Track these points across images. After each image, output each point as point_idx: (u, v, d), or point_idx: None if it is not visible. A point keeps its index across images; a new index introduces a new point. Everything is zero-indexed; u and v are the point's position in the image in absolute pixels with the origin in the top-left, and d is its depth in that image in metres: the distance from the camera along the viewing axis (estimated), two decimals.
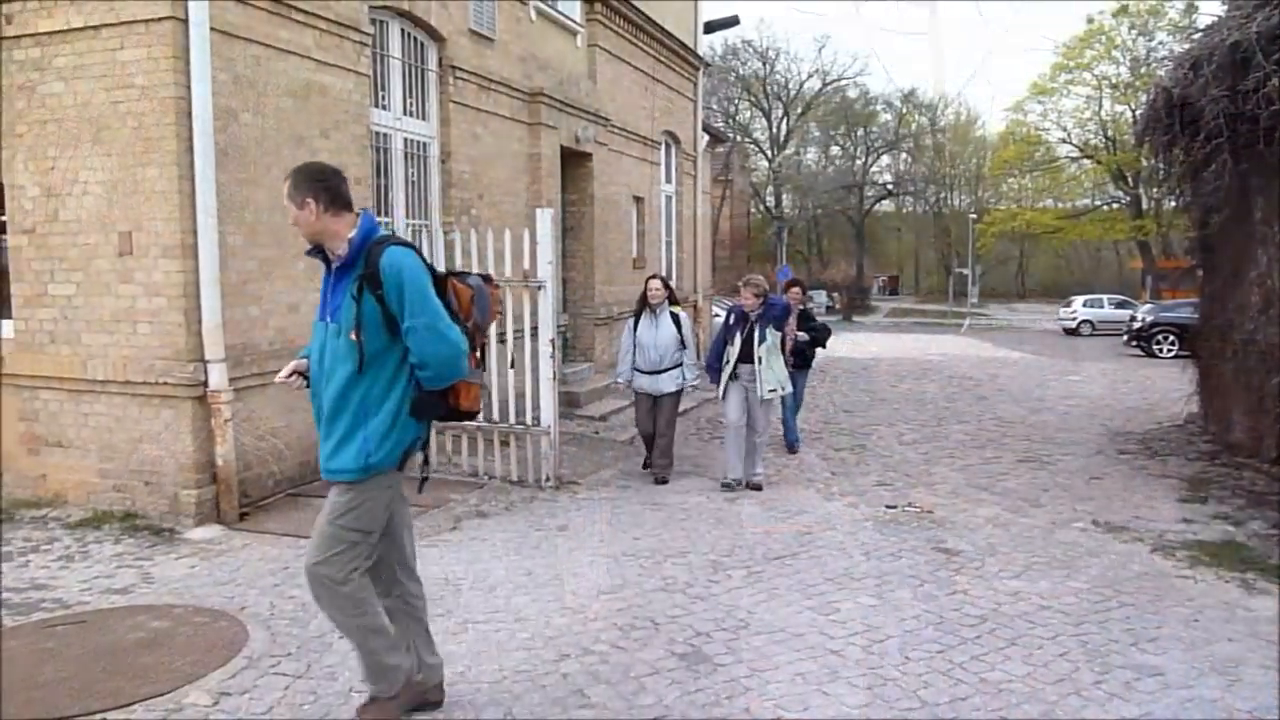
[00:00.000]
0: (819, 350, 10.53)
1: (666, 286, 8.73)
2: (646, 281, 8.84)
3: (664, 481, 8.53)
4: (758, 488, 8.21)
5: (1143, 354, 25.64)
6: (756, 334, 8.10)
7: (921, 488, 8.44)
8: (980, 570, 6.01)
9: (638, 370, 8.58)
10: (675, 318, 8.58)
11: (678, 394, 8.65)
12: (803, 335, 9.89)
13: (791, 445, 10.23)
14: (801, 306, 10.06)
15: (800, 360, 9.95)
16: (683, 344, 8.55)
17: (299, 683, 4.30)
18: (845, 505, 7.77)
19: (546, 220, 7.96)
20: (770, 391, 8.12)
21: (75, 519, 6.81)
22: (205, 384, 6.67)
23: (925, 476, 8.91)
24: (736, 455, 8.27)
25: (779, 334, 8.18)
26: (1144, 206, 43.14)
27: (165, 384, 6.67)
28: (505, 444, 8.30)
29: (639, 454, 9.87)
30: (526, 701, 4.14)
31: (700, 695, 4.22)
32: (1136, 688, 4.31)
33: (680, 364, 8.55)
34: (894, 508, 7.64)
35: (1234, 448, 9.70)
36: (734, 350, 8.23)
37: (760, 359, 8.07)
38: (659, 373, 8.51)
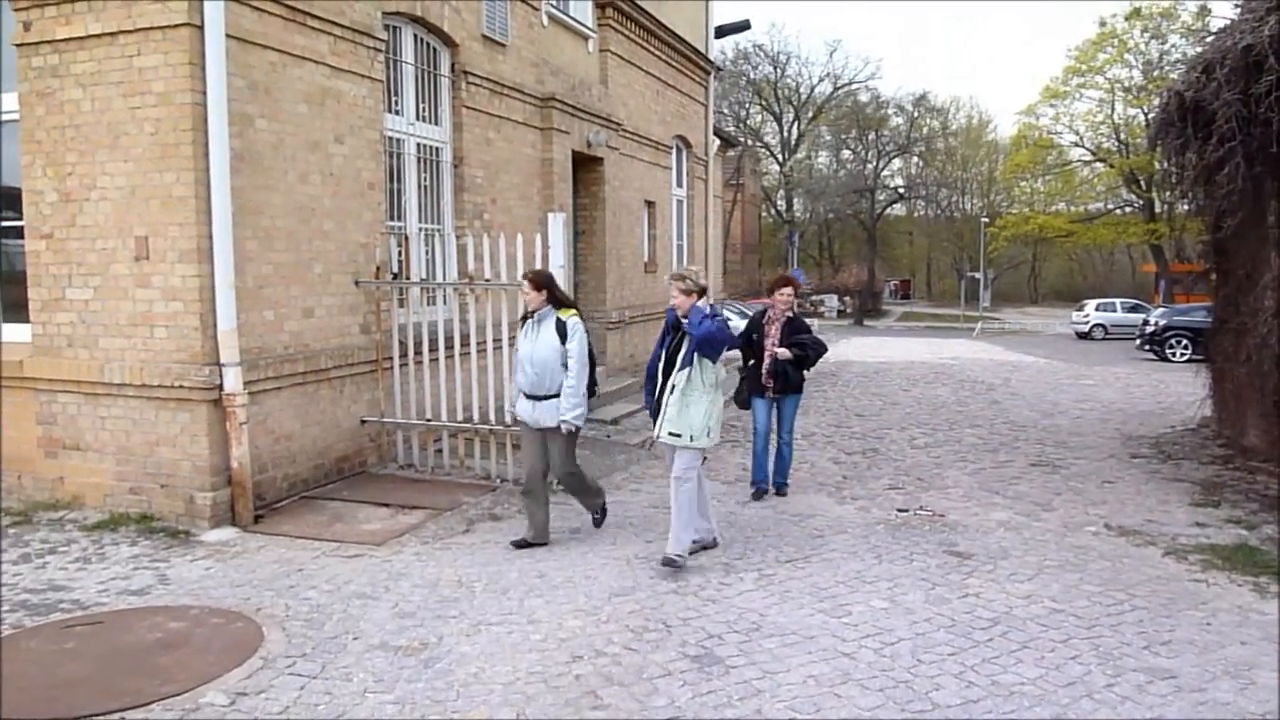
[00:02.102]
0: (812, 367, 8.48)
1: (542, 286, 6.52)
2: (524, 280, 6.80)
3: (600, 520, 7.01)
4: (670, 563, 5.97)
5: (1156, 358, 25.55)
6: (681, 355, 6.13)
7: (933, 491, 8.43)
8: (992, 573, 6.01)
9: (522, 392, 6.59)
10: (560, 327, 6.45)
11: (571, 428, 6.49)
12: (784, 353, 7.87)
13: (778, 487, 8.23)
14: (791, 314, 8.11)
15: (784, 383, 8.01)
16: (565, 363, 6.42)
17: (314, 683, 4.34)
18: (857, 509, 7.78)
19: (558, 224, 7.99)
20: (671, 435, 6.06)
21: (92, 521, 6.86)
22: (221, 387, 6.72)
23: (937, 480, 8.91)
24: (684, 520, 6.11)
25: (713, 365, 6.14)
26: (1157, 210, 42.99)
27: (181, 387, 6.72)
28: (517, 447, 8.32)
29: (652, 458, 9.89)
30: (540, 703, 4.17)
31: (712, 697, 4.24)
32: (1149, 691, 4.32)
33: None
34: (906, 511, 7.65)
35: (1248, 451, 9.66)
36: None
37: (673, 388, 6.08)
38: (539, 398, 6.46)
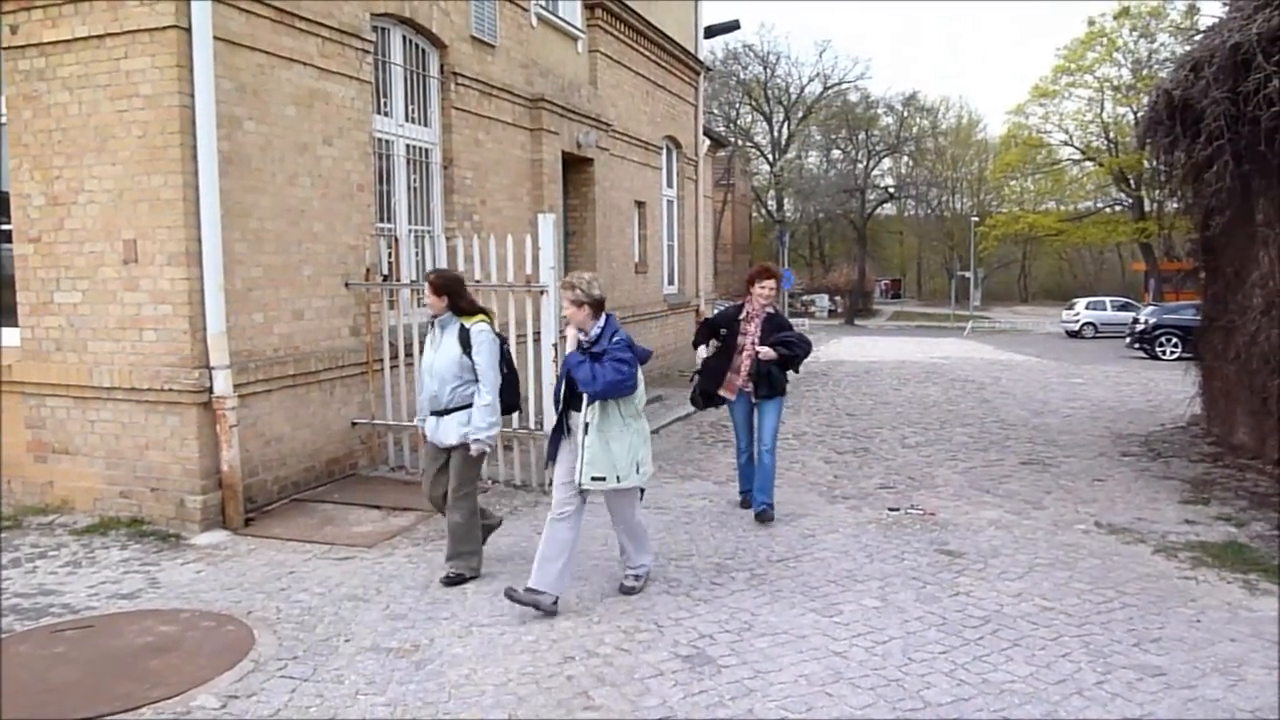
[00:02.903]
0: (798, 368, 7.73)
1: (442, 291, 5.75)
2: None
3: (455, 582, 5.74)
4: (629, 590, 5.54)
5: (1145, 356, 25.66)
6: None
7: (924, 490, 8.45)
8: (983, 572, 6.03)
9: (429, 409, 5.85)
10: (464, 335, 5.69)
11: (468, 449, 5.69)
12: (769, 352, 7.16)
13: (760, 510, 7.27)
14: (771, 309, 7.40)
15: (767, 387, 7.25)
16: (473, 374, 5.69)
17: (305, 686, 4.33)
18: (848, 508, 7.79)
19: (549, 225, 7.99)
20: (595, 479, 5.18)
21: (82, 525, 6.84)
22: (210, 390, 6.71)
23: (928, 479, 8.92)
24: (547, 565, 5.24)
25: (615, 370, 5.14)
26: (1146, 209, 43.18)
27: (171, 390, 6.70)
28: (508, 448, 8.32)
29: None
30: (531, 704, 4.16)
31: (704, 697, 4.25)
32: (1139, 688, 4.33)
33: (470, 404, 5.69)
34: (897, 510, 7.66)
35: (1237, 449, 9.70)
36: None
37: (586, 426, 5.19)
38: (441, 413, 5.75)
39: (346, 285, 8.20)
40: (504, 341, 5.92)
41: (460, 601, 5.43)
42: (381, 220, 8.97)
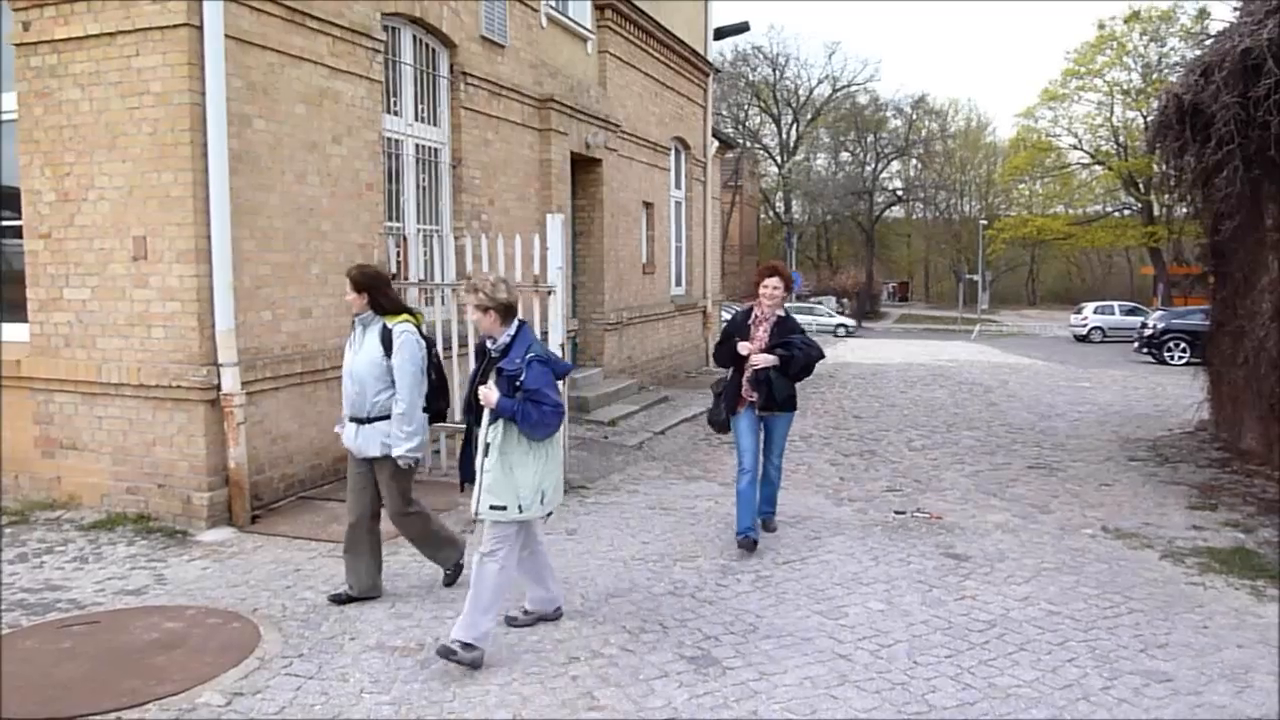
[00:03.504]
0: (805, 376, 6.77)
1: (363, 287, 5.22)
2: None
3: (455, 576, 5.68)
4: (447, 653, 4.45)
5: (1154, 361, 25.59)
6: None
7: (931, 493, 8.43)
8: (989, 576, 6.02)
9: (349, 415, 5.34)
10: (385, 336, 5.20)
11: (394, 462, 5.22)
12: (766, 359, 6.40)
13: (764, 518, 6.92)
14: (782, 312, 6.71)
15: (770, 398, 6.49)
16: (391, 380, 5.19)
17: (311, 683, 4.33)
18: (854, 510, 7.78)
19: (557, 225, 7.99)
20: (493, 508, 4.56)
21: (89, 521, 6.86)
22: (218, 388, 6.72)
23: (934, 482, 8.91)
24: (476, 604, 4.57)
25: (542, 418, 4.50)
26: (1155, 213, 43.01)
27: (179, 387, 6.72)
28: None
29: (649, 458, 9.89)
30: (536, 703, 4.17)
31: (709, 698, 4.24)
32: (1145, 693, 4.32)
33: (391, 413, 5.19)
34: (903, 513, 7.65)
35: (1245, 455, 9.67)
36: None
37: (486, 447, 4.59)
38: (361, 421, 5.26)
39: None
40: (432, 345, 5.43)
41: (465, 600, 5.43)
42: (390, 219, 8.98)
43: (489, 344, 4.71)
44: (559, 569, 6.02)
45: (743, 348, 6.49)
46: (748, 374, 6.50)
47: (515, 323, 4.67)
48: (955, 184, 69.19)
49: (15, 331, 7.45)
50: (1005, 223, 55.43)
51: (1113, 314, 38.18)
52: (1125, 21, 43.35)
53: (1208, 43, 10.20)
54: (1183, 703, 4.24)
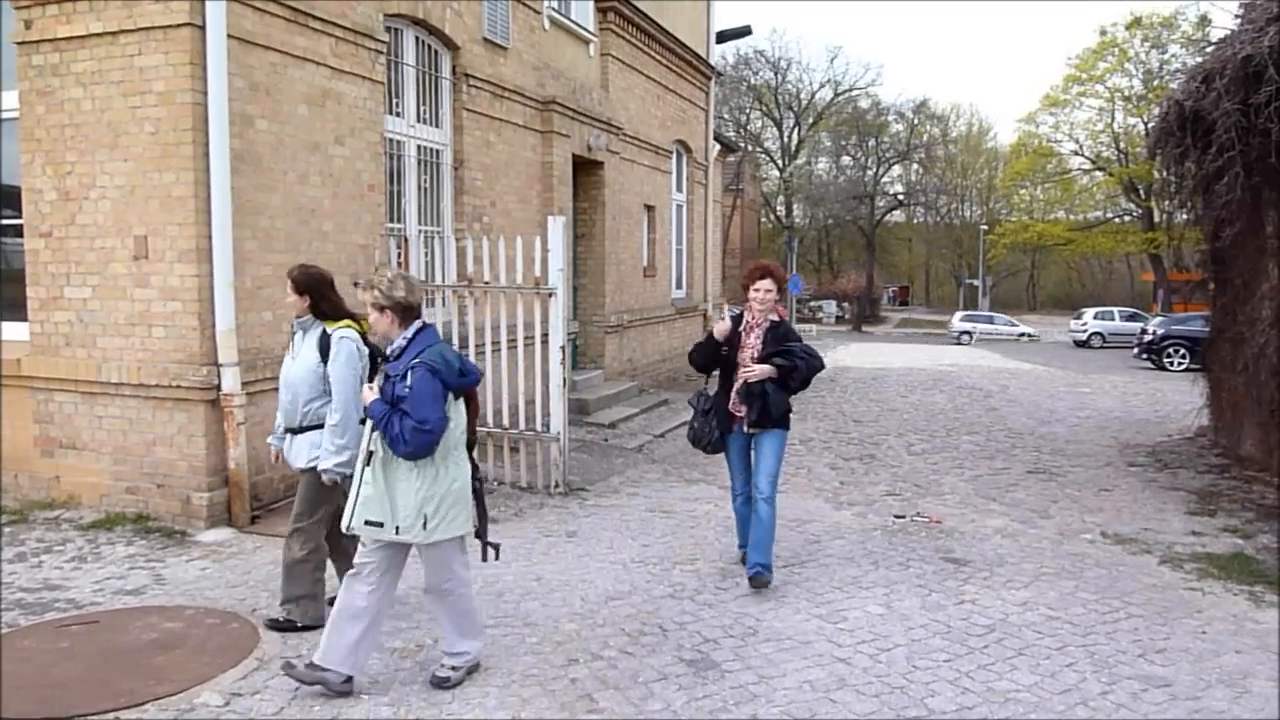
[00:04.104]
0: (803, 389, 5.92)
1: (304, 289, 4.99)
2: None
3: (283, 628, 4.96)
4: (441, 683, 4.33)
5: (1153, 367, 25.60)
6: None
7: (930, 498, 8.43)
8: (988, 580, 6.01)
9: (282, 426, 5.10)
10: (324, 342, 4.91)
11: (318, 475, 4.82)
12: (761, 370, 5.67)
13: (756, 572, 5.72)
14: (776, 316, 5.90)
15: (763, 413, 5.72)
16: (326, 389, 4.84)
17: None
18: (854, 514, 7.78)
19: (558, 228, 8.00)
20: (369, 524, 4.13)
21: (88, 520, 6.85)
22: (219, 388, 6.72)
23: (934, 486, 8.91)
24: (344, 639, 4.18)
25: (402, 434, 4.00)
26: (1156, 219, 43.01)
27: (179, 387, 6.72)
28: (515, 450, 8.33)
29: (649, 461, 9.90)
30: (535, 705, 4.16)
31: (708, 701, 4.24)
32: (1144, 699, 4.32)
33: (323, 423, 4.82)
34: (902, 517, 7.65)
35: (1244, 461, 9.68)
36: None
37: (369, 455, 4.17)
38: (293, 431, 5.00)
39: (355, 285, 8.16)
40: (377, 354, 4.89)
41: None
42: (391, 220, 8.99)
43: (383, 344, 4.38)
44: (558, 571, 6.03)
45: (748, 369, 5.72)
46: (738, 385, 5.74)
47: (416, 325, 4.23)
48: (956, 189, 69.16)
49: (15, 330, 7.44)
50: (1006, 228, 55.41)
51: (1113, 319, 38.19)
52: (1127, 28, 43.35)
53: (1209, 50, 10.22)
54: (1181, 708, 4.24)
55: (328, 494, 4.93)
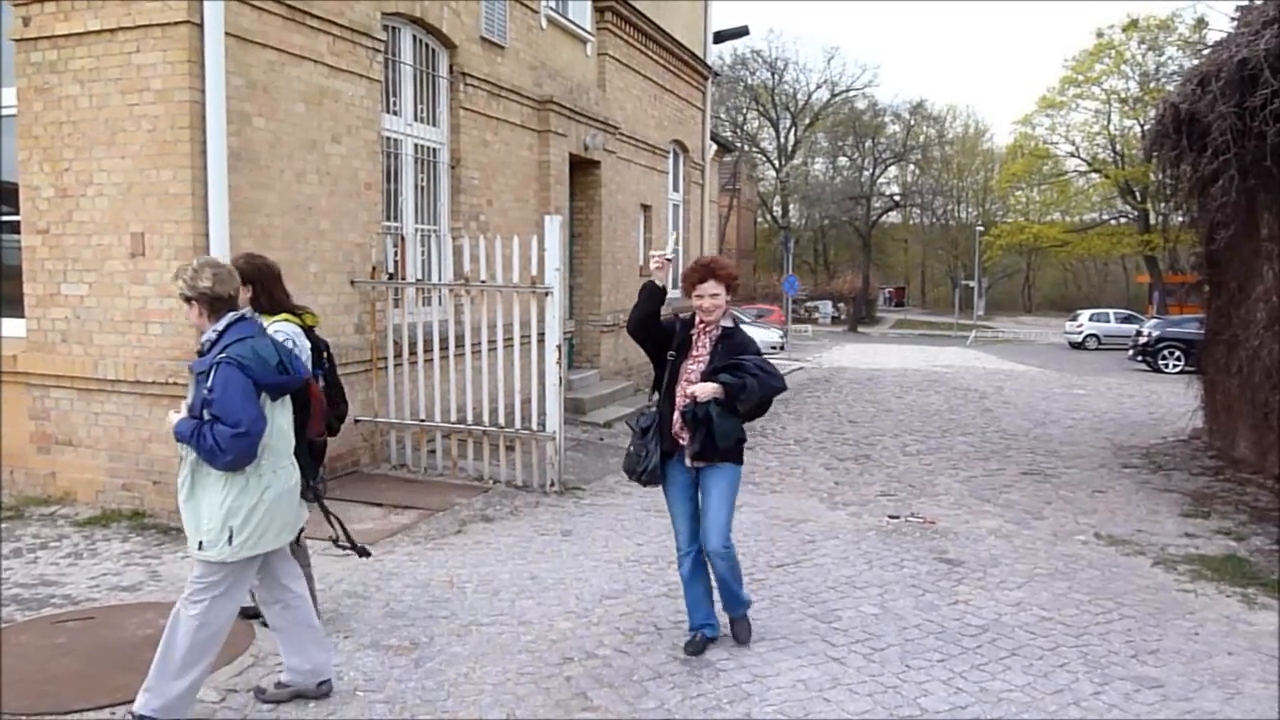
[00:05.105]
0: (758, 415, 4.74)
1: (250, 280, 4.57)
2: None
3: (251, 615, 4.81)
4: None
5: (1148, 369, 25.65)
6: (186, 408, 3.83)
7: (925, 498, 8.46)
8: (982, 581, 6.03)
9: None
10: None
11: None
12: (707, 389, 4.48)
13: (738, 617, 4.96)
14: (727, 324, 4.74)
15: (708, 443, 4.55)
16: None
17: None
18: (848, 515, 7.80)
19: (554, 227, 8.01)
20: (205, 547, 3.70)
21: (84, 517, 6.85)
22: None
23: (929, 487, 8.93)
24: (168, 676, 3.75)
25: (217, 443, 3.59)
26: (1151, 221, 43.09)
27: (175, 384, 6.71)
28: (510, 449, 8.34)
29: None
30: (530, 703, 4.18)
31: (702, 700, 4.26)
32: (1136, 699, 4.34)
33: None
34: (897, 518, 7.66)
35: (1238, 463, 9.71)
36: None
37: (181, 460, 3.78)
38: None
39: (352, 283, 8.22)
40: (324, 348, 4.88)
41: (459, 600, 5.45)
42: (388, 219, 9.00)
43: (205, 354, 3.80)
44: (553, 569, 6.04)
45: (693, 388, 4.52)
46: (681, 406, 4.61)
47: (228, 317, 3.79)
48: (952, 190, 69.28)
49: (12, 327, 7.44)
50: (1002, 229, 55.48)
51: (1108, 321, 38.25)
52: (1123, 30, 43.39)
53: (1205, 52, 10.26)
54: (1173, 709, 4.26)
55: None
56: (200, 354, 3.78)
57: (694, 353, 4.72)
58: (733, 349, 4.66)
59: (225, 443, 3.57)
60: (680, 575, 4.89)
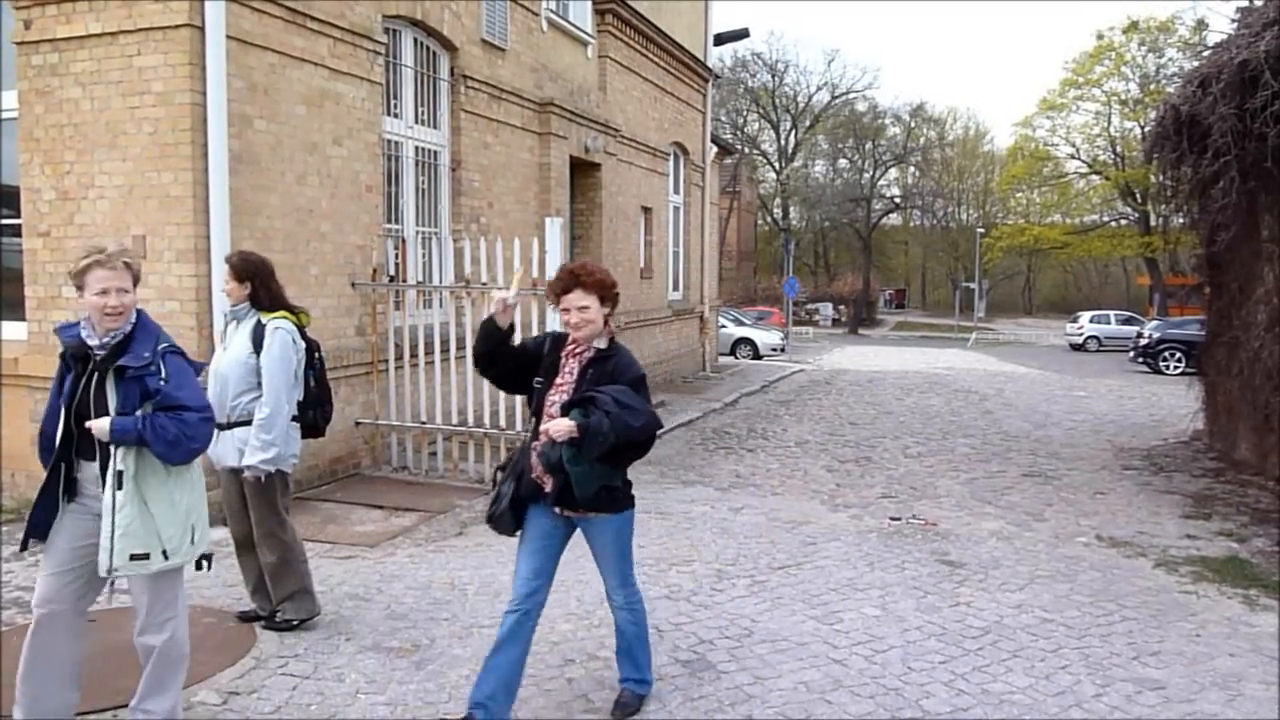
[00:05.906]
0: (632, 458, 4.06)
1: (244, 276, 4.72)
2: None
3: (282, 628, 4.87)
4: None
5: (1149, 370, 25.64)
6: (111, 413, 3.41)
7: (926, 500, 8.45)
8: (984, 583, 6.03)
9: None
10: (258, 333, 4.69)
11: (256, 475, 4.67)
12: (561, 427, 3.61)
13: (626, 688, 4.18)
14: (602, 344, 3.92)
15: (565, 492, 3.80)
16: (257, 382, 4.67)
17: (306, 683, 4.34)
18: (850, 517, 7.80)
19: (555, 229, 8.01)
20: (134, 558, 3.42)
21: None
22: None
23: (930, 489, 8.93)
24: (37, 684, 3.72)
25: (186, 430, 3.39)
26: (1152, 223, 43.08)
27: None
28: (511, 451, 8.33)
29: (644, 462, 9.87)
30: (531, 705, 4.18)
31: (703, 702, 4.25)
32: (1138, 701, 4.33)
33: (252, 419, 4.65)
34: (898, 519, 7.66)
35: (1239, 465, 9.71)
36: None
37: (119, 477, 3.41)
38: (222, 426, 4.63)
39: (353, 285, 8.23)
40: (314, 348, 4.89)
41: (460, 603, 5.45)
42: (389, 221, 9.00)
43: (87, 339, 3.39)
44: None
45: (550, 426, 3.67)
46: (538, 446, 3.78)
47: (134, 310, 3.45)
48: (953, 192, 69.26)
49: (13, 330, 7.45)
50: (1002, 231, 55.45)
51: (1109, 323, 38.21)
52: (1124, 32, 43.41)
53: (1205, 54, 10.26)
54: (1174, 711, 4.25)
55: (279, 488, 4.80)
56: (100, 350, 3.38)
57: (558, 380, 3.91)
58: (601, 377, 3.82)
59: (193, 429, 3.38)
60: (497, 633, 3.89)
